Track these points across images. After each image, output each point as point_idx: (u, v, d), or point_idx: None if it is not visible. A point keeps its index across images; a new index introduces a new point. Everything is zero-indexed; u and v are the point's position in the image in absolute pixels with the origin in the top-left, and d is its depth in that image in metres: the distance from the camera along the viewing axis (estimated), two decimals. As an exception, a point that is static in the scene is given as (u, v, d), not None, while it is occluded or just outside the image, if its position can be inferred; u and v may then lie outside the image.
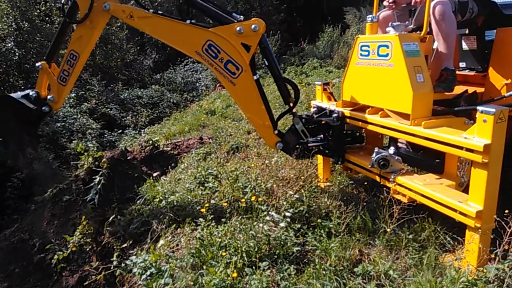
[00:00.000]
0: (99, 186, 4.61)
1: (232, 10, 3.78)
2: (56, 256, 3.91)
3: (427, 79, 2.87)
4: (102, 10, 3.31)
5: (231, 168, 4.45)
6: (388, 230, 2.92)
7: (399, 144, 3.48)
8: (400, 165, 3.07)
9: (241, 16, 3.19)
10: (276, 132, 3.42)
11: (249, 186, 3.74)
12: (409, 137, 2.86)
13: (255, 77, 3.23)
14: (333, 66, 13.98)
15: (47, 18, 12.40)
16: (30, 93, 3.71)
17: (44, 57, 3.72)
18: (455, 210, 2.50)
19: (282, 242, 2.89)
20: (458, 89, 3.26)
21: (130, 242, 3.78)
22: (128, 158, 5.42)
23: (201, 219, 3.21)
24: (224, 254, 2.80)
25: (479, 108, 2.33)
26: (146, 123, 10.89)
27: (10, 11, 10.41)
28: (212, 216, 3.26)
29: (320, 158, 4.00)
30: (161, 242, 3.50)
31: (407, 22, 3.17)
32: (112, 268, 3.25)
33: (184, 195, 4.00)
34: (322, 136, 3.58)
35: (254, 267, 2.69)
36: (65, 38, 3.79)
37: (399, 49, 2.83)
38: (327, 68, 13.72)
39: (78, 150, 5.13)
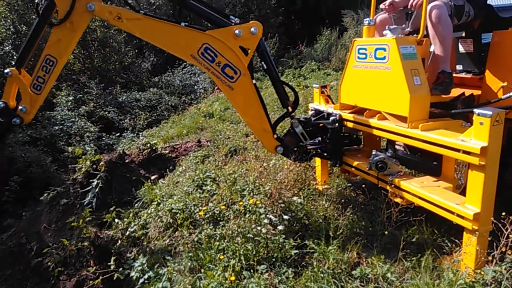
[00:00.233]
0: (97, 190, 4.60)
1: (229, 13, 3.67)
2: (53, 260, 3.90)
3: (424, 82, 2.88)
4: (85, 11, 3.05)
5: (229, 171, 4.45)
6: (386, 232, 2.92)
7: (397, 147, 3.49)
8: (398, 168, 3.08)
9: (237, 19, 3.13)
10: (275, 136, 3.40)
11: (247, 189, 3.74)
12: (406, 139, 2.86)
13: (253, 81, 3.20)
14: (331, 69, 14.03)
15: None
16: None
17: (13, 63, 3.39)
18: (452, 213, 2.50)
19: (280, 245, 2.89)
20: (455, 92, 3.27)
21: (128, 245, 3.77)
22: (126, 161, 5.41)
23: (199, 222, 3.20)
24: (222, 257, 2.79)
25: (476, 110, 2.34)
26: (144, 126, 10.87)
27: (8, 14, 10.41)
28: (210, 219, 3.26)
29: (318, 160, 4.01)
30: (159, 245, 3.50)
31: (404, 25, 3.19)
32: (110, 272, 3.23)
33: (182, 198, 4.00)
34: (320, 138, 3.59)
35: (252, 271, 2.68)
36: (39, 41, 3.38)
37: (396, 52, 2.84)
38: (325, 70, 13.76)
39: (76, 154, 5.12)
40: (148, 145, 5.92)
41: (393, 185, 3.01)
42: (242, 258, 2.77)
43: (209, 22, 3.21)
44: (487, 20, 3.34)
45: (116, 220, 4.14)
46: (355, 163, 3.44)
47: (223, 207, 3.56)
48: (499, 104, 2.92)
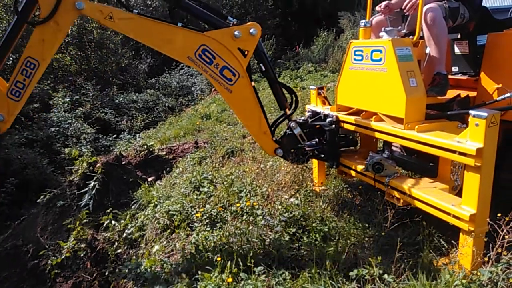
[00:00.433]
0: (94, 191, 4.59)
1: (227, 14, 3.61)
2: (50, 262, 3.88)
3: (420, 84, 2.90)
4: (72, 9, 2.80)
5: (226, 173, 4.45)
6: (383, 233, 2.93)
7: (393, 148, 3.50)
8: (394, 169, 3.09)
9: (235, 20, 3.06)
10: (274, 138, 3.39)
11: (244, 190, 3.74)
12: (402, 141, 2.87)
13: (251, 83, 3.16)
14: (327, 70, 14.06)
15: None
16: None
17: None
18: (448, 214, 2.51)
19: (277, 247, 2.89)
20: (451, 93, 3.29)
21: (125, 247, 3.76)
22: (123, 163, 5.40)
23: (196, 224, 3.20)
24: (219, 259, 2.79)
25: (472, 112, 2.35)
26: (141, 127, 10.86)
27: (4, 15, 10.37)
28: (207, 221, 3.25)
29: (315, 162, 4.01)
30: (156, 247, 3.49)
31: (399, 27, 3.20)
32: (106, 274, 3.23)
33: (179, 199, 3.99)
34: (316, 140, 3.59)
35: (249, 272, 2.68)
36: (16, 42, 3.04)
37: (392, 53, 2.86)
38: (322, 72, 13.80)
39: (72, 155, 5.11)
40: (145, 146, 5.91)
41: (389, 187, 3.02)
42: (239, 259, 2.77)
43: (206, 23, 3.13)
44: (482, 22, 3.36)
45: (113, 222, 4.13)
46: (352, 165, 3.45)
47: (220, 208, 3.56)
48: (495, 106, 2.94)
